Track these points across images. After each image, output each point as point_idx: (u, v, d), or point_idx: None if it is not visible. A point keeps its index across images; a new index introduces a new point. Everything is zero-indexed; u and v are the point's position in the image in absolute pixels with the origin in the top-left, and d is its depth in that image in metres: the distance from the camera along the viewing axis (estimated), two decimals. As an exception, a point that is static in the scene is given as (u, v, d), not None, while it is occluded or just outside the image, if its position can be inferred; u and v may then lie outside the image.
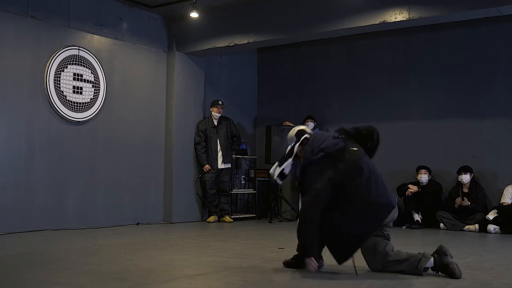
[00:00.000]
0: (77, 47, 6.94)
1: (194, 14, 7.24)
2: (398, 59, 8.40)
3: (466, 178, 7.27)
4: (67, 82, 6.81)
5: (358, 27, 6.76)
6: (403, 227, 7.53)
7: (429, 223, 7.48)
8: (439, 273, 3.77)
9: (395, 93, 8.36)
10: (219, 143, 8.23)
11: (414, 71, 8.24)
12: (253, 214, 8.97)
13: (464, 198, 7.22)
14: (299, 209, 4.08)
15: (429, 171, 7.64)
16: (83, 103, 6.96)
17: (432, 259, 3.78)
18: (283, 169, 4.01)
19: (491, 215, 6.96)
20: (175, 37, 8.14)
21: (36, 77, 6.52)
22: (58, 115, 6.70)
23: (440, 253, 3.80)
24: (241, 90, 9.40)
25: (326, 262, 3.99)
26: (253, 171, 9.17)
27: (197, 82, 8.43)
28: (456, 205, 7.28)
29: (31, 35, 6.47)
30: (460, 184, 7.37)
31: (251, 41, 7.55)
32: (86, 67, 7.03)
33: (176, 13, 7.88)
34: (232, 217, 8.32)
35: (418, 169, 7.65)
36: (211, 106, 8.31)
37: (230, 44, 7.70)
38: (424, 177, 7.57)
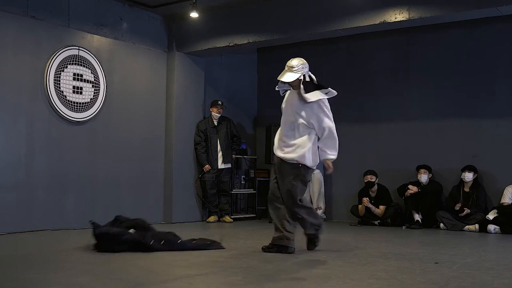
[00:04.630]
0: (77, 47, 6.94)
1: (194, 14, 7.24)
2: (398, 59, 8.40)
3: (469, 176, 7.26)
4: (67, 82, 6.81)
5: (358, 27, 6.77)
6: (403, 227, 7.53)
7: (429, 223, 7.48)
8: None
9: (395, 93, 8.35)
10: (219, 143, 8.23)
11: (414, 71, 8.24)
12: (253, 214, 8.97)
13: (465, 209, 7.21)
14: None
15: (429, 171, 7.65)
16: (83, 103, 6.96)
17: None
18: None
19: (491, 215, 6.96)
20: (175, 37, 8.14)
21: (36, 77, 6.52)
22: (58, 115, 6.70)
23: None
24: (241, 90, 9.40)
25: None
26: (253, 171, 9.17)
27: (197, 82, 8.43)
28: (456, 208, 7.28)
29: (31, 35, 6.47)
30: (462, 183, 7.37)
31: (251, 41, 7.55)
32: (86, 67, 7.03)
33: (176, 13, 7.88)
34: (232, 217, 8.32)
35: (418, 169, 7.65)
36: (211, 106, 8.31)
37: (230, 44, 7.70)
38: (424, 177, 7.57)
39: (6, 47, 6.26)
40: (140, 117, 7.73)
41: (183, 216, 8.03)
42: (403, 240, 6.16)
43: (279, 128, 4.95)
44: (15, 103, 6.32)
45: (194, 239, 5.15)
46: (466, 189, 7.35)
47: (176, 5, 7.58)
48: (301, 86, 4.74)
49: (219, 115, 8.27)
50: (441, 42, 8.02)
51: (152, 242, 4.71)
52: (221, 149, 8.24)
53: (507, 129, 7.48)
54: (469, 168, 7.30)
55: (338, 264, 4.25)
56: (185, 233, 6.62)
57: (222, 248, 5.03)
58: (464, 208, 7.19)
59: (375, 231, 7.15)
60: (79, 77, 6.95)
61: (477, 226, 7.04)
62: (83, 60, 7.00)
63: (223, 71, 9.10)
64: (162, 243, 4.77)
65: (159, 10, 7.80)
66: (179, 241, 4.91)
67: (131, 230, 4.89)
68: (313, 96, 4.72)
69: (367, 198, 7.84)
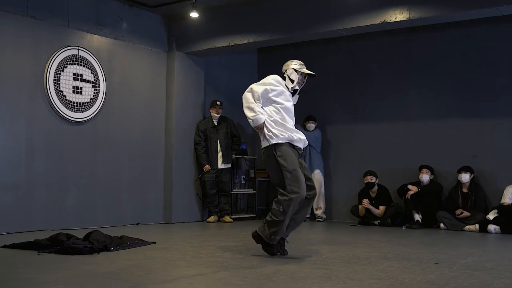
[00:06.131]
0: (77, 47, 6.94)
1: (194, 14, 7.24)
2: (398, 59, 8.40)
3: (465, 177, 7.26)
4: (67, 82, 6.81)
5: (358, 27, 6.77)
6: (403, 227, 7.53)
7: (429, 223, 7.47)
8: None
9: (395, 93, 8.36)
10: (219, 143, 8.23)
11: (415, 71, 8.24)
12: (253, 214, 8.97)
13: (463, 212, 7.20)
14: None
15: (431, 171, 7.63)
16: (83, 103, 6.96)
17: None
18: None
19: (491, 215, 6.95)
20: (175, 37, 8.14)
21: (36, 77, 6.52)
22: (58, 115, 6.70)
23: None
24: (241, 90, 9.25)
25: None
26: (253, 171, 9.17)
27: (197, 82, 8.43)
28: (457, 213, 7.27)
29: (31, 35, 6.47)
30: (460, 184, 7.37)
31: (251, 41, 7.55)
32: (86, 67, 7.03)
33: (176, 13, 7.88)
34: (232, 217, 8.32)
35: (421, 168, 7.64)
36: (210, 107, 8.31)
37: (230, 44, 7.70)
38: (425, 177, 7.56)
39: (6, 47, 6.26)
40: (140, 117, 7.73)
41: (183, 216, 8.03)
42: (403, 240, 6.16)
43: (283, 119, 4.76)
44: (15, 103, 6.32)
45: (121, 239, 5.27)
46: (465, 190, 7.34)
47: (176, 5, 7.57)
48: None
49: (219, 115, 8.26)
50: (441, 42, 8.03)
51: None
52: (221, 149, 8.24)
53: (507, 129, 7.48)
54: (465, 169, 7.29)
55: (338, 264, 4.25)
56: (185, 233, 6.65)
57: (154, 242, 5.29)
58: (463, 211, 7.19)
59: (375, 231, 7.15)
60: (79, 77, 6.95)
61: (477, 226, 7.03)
62: (83, 60, 7.00)
63: (223, 71, 9.09)
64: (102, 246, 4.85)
65: (159, 10, 7.80)
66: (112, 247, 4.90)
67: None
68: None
69: (367, 200, 7.84)
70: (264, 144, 4.73)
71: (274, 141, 4.63)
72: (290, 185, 4.48)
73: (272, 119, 4.74)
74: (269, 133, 4.66)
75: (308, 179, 4.68)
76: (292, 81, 4.89)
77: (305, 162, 5.15)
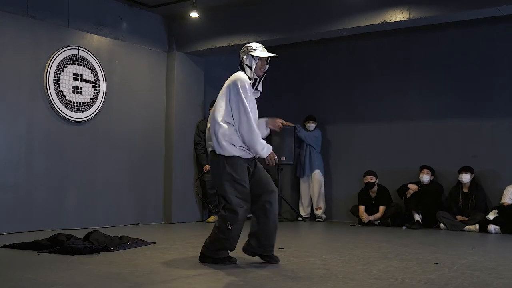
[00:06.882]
0: (77, 47, 6.94)
1: (194, 14, 7.24)
2: (398, 59, 8.40)
3: (466, 178, 7.26)
4: (67, 82, 6.81)
5: (358, 27, 6.77)
6: (403, 227, 7.53)
7: (429, 223, 7.47)
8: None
9: (395, 93, 8.35)
10: (219, 143, 8.22)
11: (415, 71, 8.24)
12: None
13: (463, 217, 7.21)
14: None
15: (432, 172, 7.63)
16: (83, 103, 6.96)
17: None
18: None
19: (491, 215, 6.95)
20: (175, 37, 8.14)
21: (36, 77, 6.52)
22: (58, 115, 6.69)
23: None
24: (241, 90, 9.37)
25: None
26: (253, 171, 9.16)
27: (197, 82, 8.43)
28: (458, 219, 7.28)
29: (31, 35, 6.47)
30: (460, 184, 7.37)
31: (251, 41, 7.53)
32: (86, 67, 7.03)
33: (176, 13, 7.88)
34: (232, 217, 8.31)
35: (421, 168, 7.64)
36: (210, 107, 8.31)
37: (230, 44, 7.70)
38: (425, 177, 7.56)
39: (6, 47, 6.26)
40: (140, 117, 7.73)
41: (183, 216, 8.04)
42: (403, 240, 6.15)
43: (252, 123, 4.35)
44: (15, 103, 6.32)
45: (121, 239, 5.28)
46: (465, 190, 7.34)
47: (176, 5, 7.58)
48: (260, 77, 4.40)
49: (219, 115, 8.25)
50: (441, 42, 8.02)
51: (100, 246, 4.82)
52: (221, 149, 8.23)
53: (507, 129, 7.48)
54: (466, 169, 7.29)
55: (338, 264, 4.25)
56: (185, 233, 6.65)
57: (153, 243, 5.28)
58: (462, 217, 7.20)
59: (375, 231, 7.15)
60: (79, 77, 6.95)
61: (477, 226, 7.03)
62: (83, 60, 7.00)
63: (223, 71, 9.06)
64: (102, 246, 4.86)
65: (159, 10, 7.80)
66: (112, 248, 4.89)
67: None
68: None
69: (366, 215, 7.83)
70: (214, 148, 4.21)
71: (227, 153, 4.16)
72: (238, 198, 4.11)
73: (234, 128, 4.28)
74: (226, 143, 4.17)
75: (269, 182, 4.30)
76: (250, 68, 4.33)
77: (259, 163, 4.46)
